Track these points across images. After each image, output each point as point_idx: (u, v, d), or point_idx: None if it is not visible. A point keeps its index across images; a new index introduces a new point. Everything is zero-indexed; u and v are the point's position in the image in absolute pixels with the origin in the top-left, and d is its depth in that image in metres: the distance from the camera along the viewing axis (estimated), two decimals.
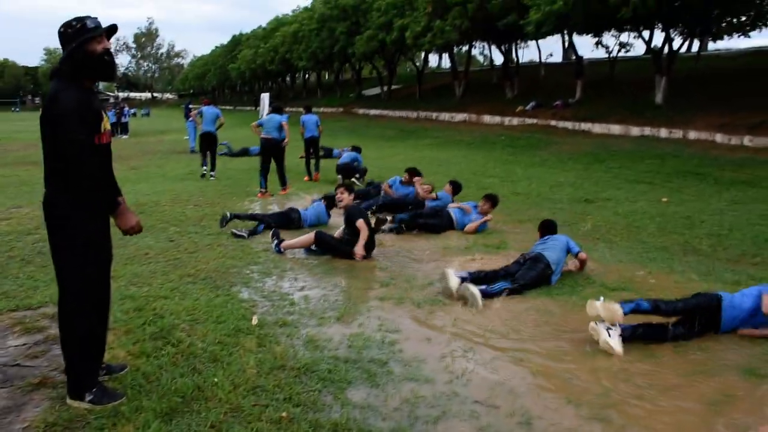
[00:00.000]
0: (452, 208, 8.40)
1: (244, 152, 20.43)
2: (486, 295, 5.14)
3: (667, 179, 12.94)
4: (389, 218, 8.23)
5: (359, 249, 6.37)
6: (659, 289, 5.42)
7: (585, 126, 21.33)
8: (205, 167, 14.34)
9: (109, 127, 3.33)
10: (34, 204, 9.80)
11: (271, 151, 11.69)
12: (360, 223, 6.49)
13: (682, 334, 4.28)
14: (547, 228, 6.35)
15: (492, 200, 8.15)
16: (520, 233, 7.79)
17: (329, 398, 3.37)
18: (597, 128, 20.77)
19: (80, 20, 3.12)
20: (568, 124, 22.10)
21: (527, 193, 11.15)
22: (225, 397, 3.29)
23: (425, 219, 8.21)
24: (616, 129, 20.04)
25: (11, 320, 4.59)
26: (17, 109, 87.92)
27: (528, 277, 5.50)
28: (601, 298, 4.29)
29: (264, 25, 63.48)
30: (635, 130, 19.25)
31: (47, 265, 6.15)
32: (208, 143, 14.40)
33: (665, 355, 4.05)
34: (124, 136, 30.98)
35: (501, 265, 5.86)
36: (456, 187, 9.39)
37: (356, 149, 14.35)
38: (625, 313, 4.17)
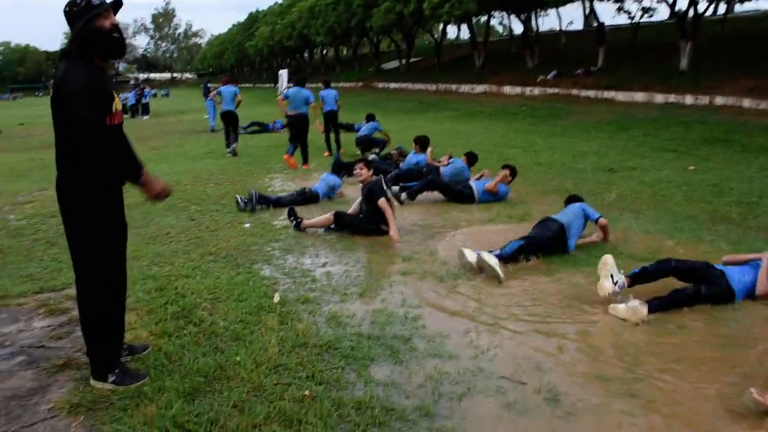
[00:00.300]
0: (472, 182, 8.33)
1: (264, 128, 20.50)
2: (502, 258, 5.10)
3: (693, 147, 12.63)
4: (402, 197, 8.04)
5: (394, 234, 6.03)
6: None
7: (608, 94, 20.91)
8: (230, 146, 14.41)
9: (120, 107, 3.24)
10: None
11: (299, 125, 11.90)
12: (382, 202, 6.25)
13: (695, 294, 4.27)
14: (569, 201, 6.25)
15: (510, 169, 8.11)
16: (544, 204, 7.65)
17: (352, 376, 3.32)
18: (620, 96, 20.36)
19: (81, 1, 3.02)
20: (591, 93, 21.69)
21: (550, 163, 10.96)
22: (247, 376, 3.27)
23: (441, 184, 8.26)
24: (639, 96, 19.60)
25: (36, 302, 4.61)
26: (41, 94, 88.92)
27: (541, 235, 5.48)
28: (625, 304, 4.15)
29: (280, 1, 63.08)
30: (659, 98, 18.82)
31: None
32: (228, 121, 14.51)
33: (695, 328, 3.94)
34: (145, 117, 31.14)
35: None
36: (471, 158, 9.36)
37: (370, 117, 14.07)
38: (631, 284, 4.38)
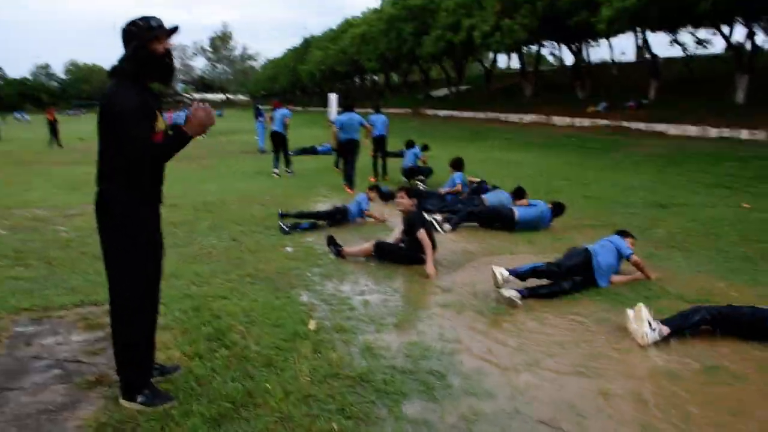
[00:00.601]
0: (515, 206, 8.34)
1: (312, 151, 20.77)
2: (517, 274, 5.26)
3: (748, 183, 12.15)
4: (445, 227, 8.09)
5: (430, 269, 5.94)
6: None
7: (659, 127, 20.45)
8: (276, 168, 14.73)
9: (163, 127, 3.21)
10: None
11: (353, 150, 12.25)
12: (421, 234, 6.16)
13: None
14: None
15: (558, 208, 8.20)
16: (589, 238, 7.42)
17: (383, 411, 3.22)
18: (672, 129, 19.89)
19: (145, 19, 3.10)
20: (642, 125, 21.26)
21: (598, 196, 10.69)
22: (275, 405, 3.20)
23: (481, 213, 8.39)
24: (692, 130, 19.12)
25: (76, 315, 4.66)
26: None
27: (568, 262, 5.45)
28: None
29: (333, 27, 64.23)
30: (713, 132, 18.31)
31: None
32: (277, 142, 14.90)
33: (750, 378, 3.70)
34: (202, 137, 31.83)
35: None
36: (519, 192, 9.07)
37: (410, 144, 13.97)
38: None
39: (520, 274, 5.29)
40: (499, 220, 8.16)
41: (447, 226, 8.04)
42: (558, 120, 25.99)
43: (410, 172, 13.08)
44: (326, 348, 4.04)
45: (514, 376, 3.68)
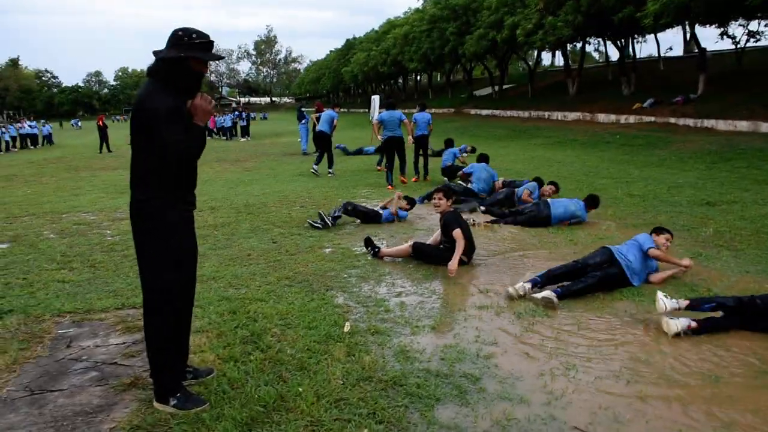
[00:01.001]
0: (552, 201, 8.47)
1: (359, 152, 21.20)
2: (536, 283, 5.28)
3: None
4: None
5: (452, 265, 5.88)
6: None
7: (708, 123, 19.78)
8: (316, 166, 14.98)
9: None
10: None
11: (396, 147, 12.63)
12: (457, 233, 6.10)
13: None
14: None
15: (592, 201, 8.33)
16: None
17: (415, 416, 3.16)
18: (722, 125, 19.21)
19: (204, 36, 3.16)
20: (690, 121, 20.61)
21: (643, 195, 10.39)
22: (307, 409, 3.18)
23: (518, 215, 8.49)
24: (743, 125, 18.40)
25: (116, 318, 4.74)
26: None
27: (590, 261, 5.45)
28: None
29: (376, 28, 64.39)
30: (765, 127, 17.57)
31: None
32: (320, 142, 15.10)
33: None
34: (243, 139, 32.32)
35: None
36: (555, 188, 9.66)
37: (448, 143, 14.22)
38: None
39: (539, 283, 5.31)
40: (539, 221, 8.18)
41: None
42: (602, 117, 25.42)
43: (449, 172, 13.00)
44: (360, 351, 4.00)
45: (549, 380, 3.58)
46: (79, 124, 72.51)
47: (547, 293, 4.98)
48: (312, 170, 14.98)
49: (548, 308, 4.88)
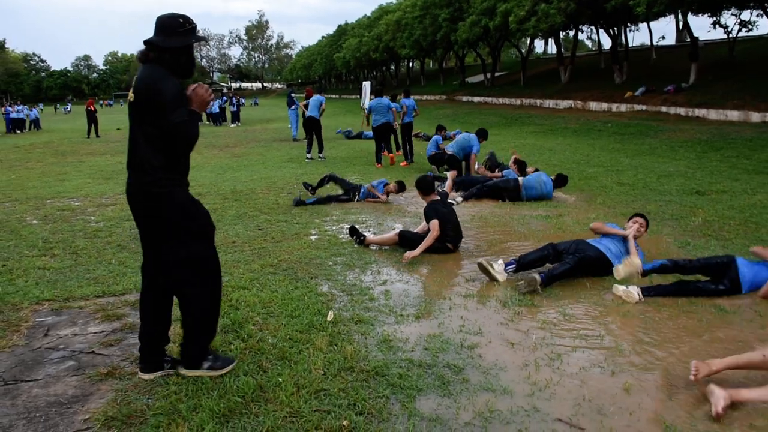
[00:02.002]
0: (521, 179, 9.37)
1: (359, 136, 21.73)
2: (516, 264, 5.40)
3: None
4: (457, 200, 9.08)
5: (409, 253, 5.84)
6: None
7: (699, 112, 19.80)
8: (309, 153, 15.35)
9: None
10: None
11: (386, 132, 13.81)
12: (433, 223, 6.09)
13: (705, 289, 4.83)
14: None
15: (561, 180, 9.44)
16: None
17: (396, 407, 3.11)
18: (712, 114, 19.23)
19: (192, 24, 3.31)
20: (681, 110, 20.62)
21: (633, 183, 10.35)
22: (286, 400, 3.12)
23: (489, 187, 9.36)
24: (734, 115, 18.43)
25: (95, 306, 4.66)
26: None
27: (562, 246, 5.51)
28: (624, 287, 4.84)
29: (368, 14, 63.97)
30: (756, 116, 17.61)
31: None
32: (310, 127, 15.36)
33: None
34: (234, 125, 32.08)
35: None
36: (521, 165, 10.49)
37: (439, 129, 14.14)
38: (646, 271, 5.11)
39: (514, 269, 5.38)
40: (506, 192, 9.14)
41: (459, 199, 9.10)
42: (594, 105, 25.41)
43: (437, 161, 13.02)
44: (342, 340, 3.95)
45: (534, 371, 3.53)
46: (69, 108, 71.88)
47: (535, 274, 4.97)
48: (307, 159, 15.14)
49: (530, 289, 4.89)
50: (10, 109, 33.84)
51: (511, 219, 7.83)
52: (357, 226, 6.89)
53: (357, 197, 9.33)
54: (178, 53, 3.22)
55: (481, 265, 5.32)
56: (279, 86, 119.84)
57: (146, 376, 3.44)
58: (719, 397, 3.03)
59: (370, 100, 14.96)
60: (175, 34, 3.20)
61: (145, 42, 3.21)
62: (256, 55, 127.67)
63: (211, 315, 3.46)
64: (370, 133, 20.94)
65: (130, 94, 3.24)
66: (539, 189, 9.07)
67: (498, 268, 5.30)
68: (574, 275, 5.22)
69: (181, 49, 3.23)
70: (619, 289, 4.82)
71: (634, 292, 4.74)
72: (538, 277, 4.93)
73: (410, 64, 62.79)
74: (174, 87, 3.14)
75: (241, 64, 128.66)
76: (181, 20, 3.23)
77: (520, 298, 4.79)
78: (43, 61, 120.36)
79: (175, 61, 3.22)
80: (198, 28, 3.39)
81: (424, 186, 6.54)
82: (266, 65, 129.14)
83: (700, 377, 3.27)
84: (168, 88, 3.12)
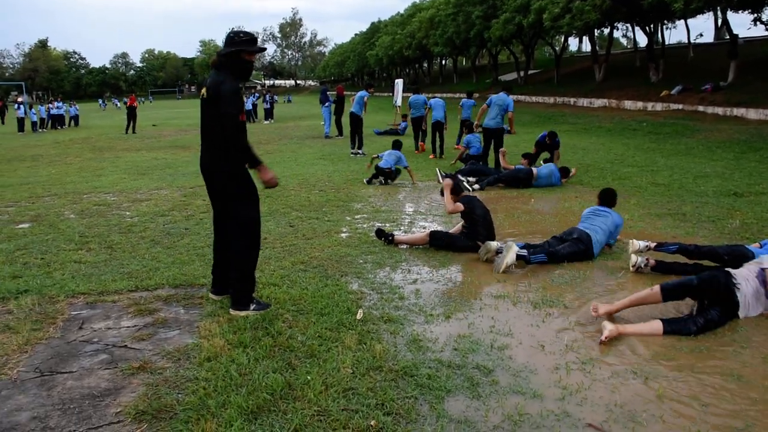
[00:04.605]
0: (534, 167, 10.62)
1: (394, 132, 22.27)
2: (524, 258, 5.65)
3: None
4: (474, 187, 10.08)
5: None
6: None
7: (738, 111, 19.30)
8: (353, 148, 16.07)
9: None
10: (173, 187, 10.32)
11: (421, 124, 16.07)
12: (457, 206, 6.34)
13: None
14: (604, 198, 6.38)
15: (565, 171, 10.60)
16: (657, 228, 7.05)
17: (425, 408, 3.09)
18: (752, 114, 18.73)
19: (249, 35, 4.24)
20: (719, 110, 20.13)
21: (668, 184, 10.15)
22: (314, 398, 3.12)
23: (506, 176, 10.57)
24: None
25: (129, 300, 4.73)
26: (180, 97, 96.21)
27: (566, 251, 5.79)
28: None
29: (402, 11, 63.89)
30: None
31: (172, 247, 6.40)
32: (353, 123, 16.21)
33: None
34: (267, 122, 32.31)
35: None
36: (530, 158, 11.47)
37: (470, 95, 16.08)
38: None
39: (529, 261, 5.71)
40: (521, 180, 10.32)
41: (476, 186, 10.12)
42: (629, 104, 24.98)
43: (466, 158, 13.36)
44: (371, 339, 3.93)
45: (565, 374, 3.47)
46: (107, 104, 73.37)
47: (515, 252, 5.56)
48: (351, 154, 15.90)
49: (488, 256, 5.73)
50: (51, 105, 34.59)
51: (542, 216, 7.73)
52: (386, 226, 6.87)
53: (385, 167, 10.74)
54: (232, 59, 4.13)
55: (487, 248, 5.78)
56: (312, 83, 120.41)
57: (216, 297, 4.67)
58: (606, 329, 3.92)
59: (413, 93, 16.63)
60: (229, 44, 4.13)
61: (216, 53, 4.27)
62: (289, 52, 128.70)
63: (251, 266, 4.41)
64: (403, 124, 22.08)
65: (203, 92, 4.21)
66: (548, 179, 10.29)
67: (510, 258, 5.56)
68: (567, 258, 5.73)
69: (231, 55, 4.12)
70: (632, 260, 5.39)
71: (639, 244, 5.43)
72: (515, 254, 5.52)
73: (443, 62, 62.55)
74: (230, 87, 4.05)
75: (275, 62, 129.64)
76: (231, 34, 4.19)
77: (552, 300, 4.72)
78: (83, 59, 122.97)
79: (229, 65, 4.14)
80: (256, 39, 4.30)
81: (458, 189, 6.56)
82: (299, 63, 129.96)
83: (600, 314, 4.21)
84: (226, 87, 4.04)
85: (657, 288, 4.27)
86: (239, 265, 4.35)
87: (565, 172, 10.63)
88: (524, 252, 5.61)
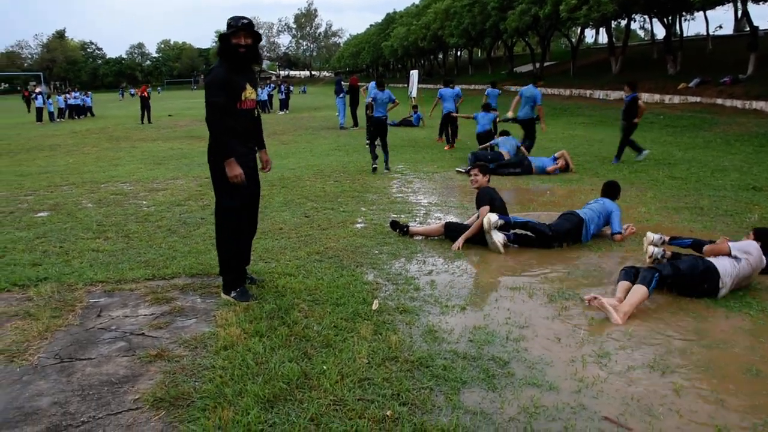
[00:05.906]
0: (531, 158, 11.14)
1: (408, 123, 22.34)
2: (507, 222, 5.96)
3: None
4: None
5: (457, 242, 6.00)
6: None
7: (757, 104, 19.03)
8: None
9: (253, 96, 4.37)
10: (189, 176, 10.37)
11: (449, 119, 15.79)
12: (483, 209, 6.06)
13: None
14: (605, 190, 6.63)
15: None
16: (674, 222, 6.98)
17: (440, 399, 3.09)
18: None
19: (234, 19, 4.21)
20: (738, 103, 19.85)
21: (685, 177, 10.04)
22: (330, 388, 3.13)
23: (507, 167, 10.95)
24: None
25: (146, 289, 4.77)
26: (195, 88, 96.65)
27: (562, 227, 6.08)
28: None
29: (417, 2, 63.62)
30: None
31: (188, 236, 6.44)
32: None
33: None
34: (281, 112, 32.34)
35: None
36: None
37: (486, 107, 15.03)
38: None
39: (510, 223, 5.99)
40: (521, 167, 10.86)
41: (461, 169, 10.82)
42: (646, 97, 24.63)
43: (484, 138, 13.77)
44: (387, 329, 3.94)
45: (581, 367, 3.45)
46: (122, 95, 73.77)
47: (500, 237, 5.85)
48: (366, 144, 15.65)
49: (495, 251, 5.83)
50: (69, 96, 34.82)
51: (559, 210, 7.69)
52: (401, 217, 6.86)
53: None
54: (221, 46, 4.24)
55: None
56: (327, 74, 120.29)
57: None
58: (613, 315, 4.14)
59: (444, 87, 16.46)
60: (223, 35, 4.20)
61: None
62: (304, 43, 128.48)
63: (227, 254, 4.46)
64: (417, 114, 22.30)
65: None
66: (542, 166, 10.87)
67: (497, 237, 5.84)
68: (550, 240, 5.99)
69: (220, 41, 4.23)
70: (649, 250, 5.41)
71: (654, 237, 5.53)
72: (501, 243, 5.83)
73: (458, 53, 62.18)
74: (219, 75, 4.15)
75: (290, 52, 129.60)
76: (228, 21, 4.23)
77: (568, 292, 4.70)
78: (100, 49, 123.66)
79: (222, 52, 4.23)
80: (240, 22, 4.20)
81: (484, 168, 6.52)
82: (314, 53, 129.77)
83: (595, 304, 4.25)
84: (212, 76, 4.19)
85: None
86: (218, 252, 4.53)
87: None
88: (503, 220, 5.92)
